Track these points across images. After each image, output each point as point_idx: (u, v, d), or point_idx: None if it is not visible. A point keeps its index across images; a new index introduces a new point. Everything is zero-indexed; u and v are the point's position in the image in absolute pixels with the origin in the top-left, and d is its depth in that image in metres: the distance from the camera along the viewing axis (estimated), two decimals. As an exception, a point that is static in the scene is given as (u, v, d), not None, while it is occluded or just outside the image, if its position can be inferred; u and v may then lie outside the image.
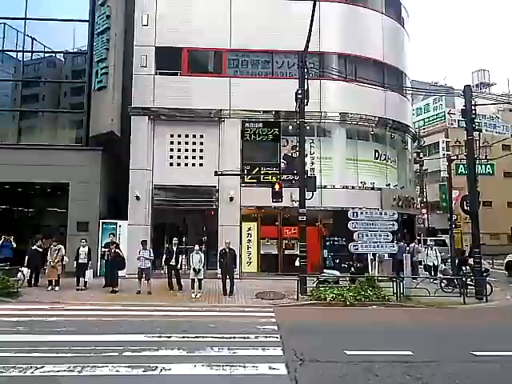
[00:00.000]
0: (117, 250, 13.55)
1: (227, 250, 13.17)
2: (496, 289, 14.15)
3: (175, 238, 13.94)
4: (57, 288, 13.15)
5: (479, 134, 15.80)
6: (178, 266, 13.47)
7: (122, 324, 9.02)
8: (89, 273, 13.67)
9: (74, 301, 11.78)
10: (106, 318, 9.66)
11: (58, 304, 11.29)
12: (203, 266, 13.12)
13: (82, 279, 13.44)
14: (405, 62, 20.64)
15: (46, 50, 18.26)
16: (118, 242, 14.72)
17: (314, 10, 12.36)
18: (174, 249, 13.59)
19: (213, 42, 17.39)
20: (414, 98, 28.61)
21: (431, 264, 16.31)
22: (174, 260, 13.43)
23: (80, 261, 13.49)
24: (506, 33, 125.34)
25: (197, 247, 13.19)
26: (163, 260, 13.61)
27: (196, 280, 12.61)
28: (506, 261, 19.74)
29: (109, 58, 16.41)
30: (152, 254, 13.54)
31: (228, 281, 13.01)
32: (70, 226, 16.22)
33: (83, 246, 13.72)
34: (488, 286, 13.20)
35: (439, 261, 16.61)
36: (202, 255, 13.20)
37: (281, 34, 17.06)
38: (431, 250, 16.70)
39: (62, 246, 14.00)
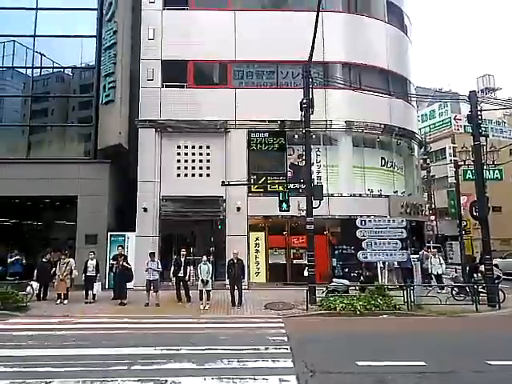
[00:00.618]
0: (124, 263, 13.57)
1: (235, 261, 13.05)
2: (509, 296, 13.90)
3: (183, 250, 13.85)
4: (65, 301, 13.20)
5: (486, 139, 15.66)
6: (187, 277, 13.36)
7: (131, 337, 9.01)
8: (97, 285, 13.66)
9: (83, 314, 11.79)
10: (114, 330, 9.66)
11: (66, 317, 11.32)
12: (211, 277, 13.07)
13: (90, 292, 13.44)
14: (409, 69, 20.65)
15: (55, 65, 18.62)
16: (126, 253, 14.76)
17: (317, 21, 12.43)
18: (182, 260, 13.53)
19: (218, 54, 17.58)
20: (419, 104, 28.54)
21: (435, 273, 15.97)
22: (182, 271, 13.38)
23: (88, 274, 13.50)
24: (510, 37, 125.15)
25: (204, 258, 13.15)
26: (171, 272, 13.56)
27: (204, 291, 12.57)
28: None
29: (116, 73, 16.67)
30: (160, 266, 13.53)
31: (236, 291, 12.95)
32: (79, 239, 16.32)
33: (91, 259, 13.71)
34: (501, 293, 13.00)
35: (443, 268, 16.27)
36: (210, 266, 13.16)
37: (285, 44, 17.18)
38: (435, 257, 16.36)
39: (72, 259, 14.06)
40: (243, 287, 13.44)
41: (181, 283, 13.49)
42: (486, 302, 12.79)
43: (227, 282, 13.84)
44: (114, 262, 13.98)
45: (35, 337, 9.02)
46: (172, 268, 13.61)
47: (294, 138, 17.13)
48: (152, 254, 13.69)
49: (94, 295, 13.46)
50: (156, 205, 16.78)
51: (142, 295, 13.17)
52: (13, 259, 15.13)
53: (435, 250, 18.44)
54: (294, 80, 17.67)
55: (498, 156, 18.08)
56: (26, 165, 16.92)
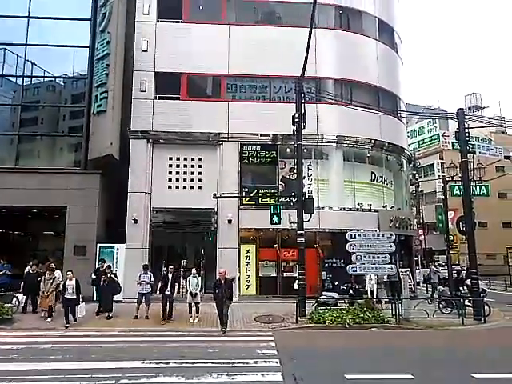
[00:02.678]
0: (112, 275, 13.14)
1: (222, 281, 11.39)
2: (494, 309, 14.11)
3: (171, 266, 13.30)
4: (49, 319, 12.13)
5: (473, 156, 16.00)
6: (174, 295, 12.75)
7: (119, 350, 8.91)
8: (81, 308, 12.03)
9: (69, 327, 11.57)
10: (102, 344, 9.54)
11: (53, 330, 11.14)
12: (200, 290, 12.93)
13: (71, 316, 11.82)
14: (399, 85, 21.06)
15: (46, 74, 18.54)
16: (113, 266, 14.52)
17: (310, 37, 12.68)
18: (170, 276, 12.85)
19: (211, 67, 17.75)
20: (408, 120, 29.07)
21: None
22: (169, 289, 12.69)
23: (67, 295, 11.82)
24: (496, 57, 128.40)
25: (194, 271, 12.97)
26: (158, 288, 12.92)
27: (193, 304, 12.47)
28: None
29: (108, 83, 16.70)
30: (153, 279, 13.22)
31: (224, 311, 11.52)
32: (67, 250, 16.12)
33: (70, 279, 12.00)
34: (486, 306, 13.19)
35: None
36: (199, 279, 12.97)
37: (278, 59, 17.45)
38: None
39: (58, 272, 13.25)
40: (233, 300, 12.41)
41: (167, 300, 12.65)
42: (472, 315, 12.95)
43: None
44: (95, 277, 13.33)
45: (21, 350, 8.87)
46: (159, 284, 12.97)
47: (286, 152, 17.30)
48: (145, 267, 13.42)
49: (75, 319, 11.94)
50: (147, 216, 16.71)
51: (131, 308, 12.94)
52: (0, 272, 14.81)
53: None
54: (286, 94, 17.91)
55: (485, 173, 18.46)
56: (14, 174, 16.74)
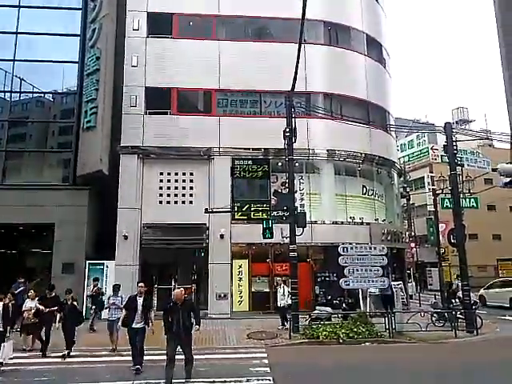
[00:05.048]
0: (74, 302, 10.41)
1: (178, 304, 7.86)
2: (486, 321, 14.10)
3: (141, 284, 9.35)
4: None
5: (461, 169, 16.19)
6: (148, 328, 8.79)
7: (106, 371, 8.62)
8: (5, 347, 9.04)
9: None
10: (88, 364, 9.23)
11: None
12: None
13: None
14: (388, 100, 21.34)
15: (35, 90, 18.41)
16: (99, 284, 13.96)
17: (299, 52, 12.81)
18: (140, 301, 8.87)
19: (202, 82, 17.83)
20: (398, 134, 29.36)
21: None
22: (138, 319, 8.78)
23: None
24: (482, 72, 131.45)
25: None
26: (120, 320, 9.19)
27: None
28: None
29: (98, 99, 16.62)
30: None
31: (186, 354, 7.87)
32: (55, 268, 15.81)
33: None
34: (478, 319, 13.20)
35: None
36: (189, 297, 11.15)
37: (268, 74, 17.62)
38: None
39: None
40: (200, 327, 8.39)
41: (136, 338, 8.71)
42: (464, 328, 12.90)
43: (209, 310, 13.29)
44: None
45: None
46: (123, 312, 9.23)
47: (278, 166, 17.29)
48: (116, 287, 10.92)
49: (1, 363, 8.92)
50: (137, 232, 16.48)
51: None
52: None
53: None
54: (277, 109, 18.02)
55: (474, 185, 18.65)
56: (0, 191, 16.45)
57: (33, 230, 17.88)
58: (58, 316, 10.19)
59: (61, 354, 9.81)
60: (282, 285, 14.09)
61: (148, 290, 9.72)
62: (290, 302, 13.33)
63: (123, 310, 9.26)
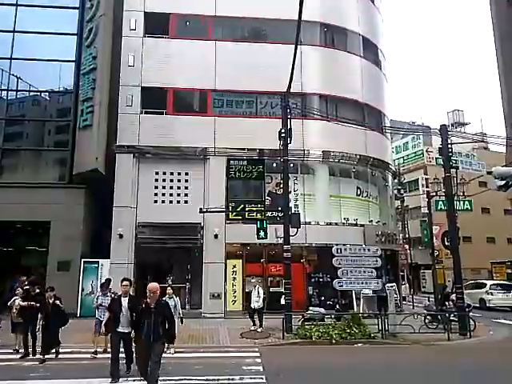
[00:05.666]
0: (57, 302, 9.61)
1: (152, 306, 6.71)
2: (479, 324, 14.17)
3: (125, 283, 8.35)
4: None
5: (456, 171, 16.31)
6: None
7: (99, 367, 8.62)
8: None
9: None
10: (80, 361, 9.25)
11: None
12: (179, 313, 10.48)
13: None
14: (383, 102, 21.45)
15: (32, 88, 18.44)
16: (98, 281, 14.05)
17: (295, 53, 12.87)
18: (125, 301, 8.00)
19: (198, 82, 17.88)
20: (393, 136, 29.54)
21: None
22: (124, 323, 7.80)
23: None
24: (477, 75, 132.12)
25: (169, 291, 10.57)
26: (103, 322, 8.88)
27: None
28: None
29: (94, 98, 16.68)
30: None
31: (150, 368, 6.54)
32: (51, 266, 15.83)
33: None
34: (471, 321, 13.24)
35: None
36: (177, 299, 10.77)
37: (264, 75, 17.66)
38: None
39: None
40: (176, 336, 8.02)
41: (124, 342, 7.91)
42: (457, 330, 12.96)
43: (203, 309, 13.22)
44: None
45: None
46: (105, 315, 8.62)
47: (273, 166, 17.33)
48: (104, 285, 10.39)
49: None
50: (132, 231, 16.52)
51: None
52: None
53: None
54: (272, 109, 18.10)
55: (468, 188, 18.77)
56: (-4, 189, 16.44)
57: (29, 227, 17.89)
58: (39, 316, 9.73)
59: (40, 360, 9.20)
60: (257, 286, 13.92)
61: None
62: (262, 304, 13.34)
63: (106, 313, 8.55)
